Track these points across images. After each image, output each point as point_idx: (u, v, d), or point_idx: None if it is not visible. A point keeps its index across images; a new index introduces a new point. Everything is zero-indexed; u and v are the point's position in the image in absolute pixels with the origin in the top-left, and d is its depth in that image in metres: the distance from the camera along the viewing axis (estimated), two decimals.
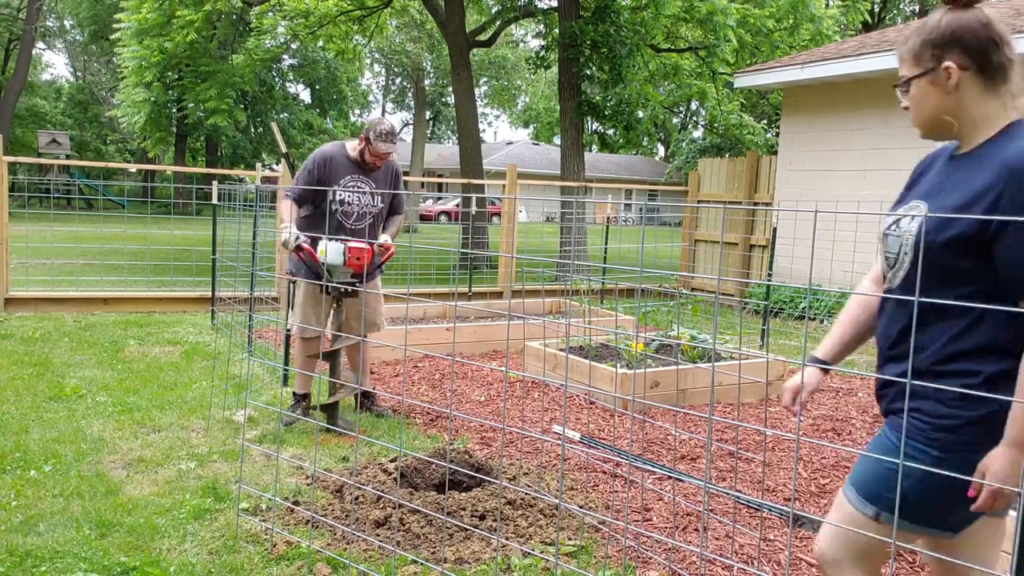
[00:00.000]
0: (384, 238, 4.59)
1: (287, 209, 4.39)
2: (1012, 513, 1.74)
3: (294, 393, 4.76)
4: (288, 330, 5.23)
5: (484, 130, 59.41)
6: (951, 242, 1.61)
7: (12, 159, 7.85)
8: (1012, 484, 1.58)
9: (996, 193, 1.58)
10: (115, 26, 17.29)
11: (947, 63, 1.68)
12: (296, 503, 3.41)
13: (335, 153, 4.50)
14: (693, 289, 10.79)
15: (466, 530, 3.11)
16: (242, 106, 24.33)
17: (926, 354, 1.70)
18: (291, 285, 4.77)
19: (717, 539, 3.23)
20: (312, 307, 4.54)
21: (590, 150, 21.15)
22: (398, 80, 41.73)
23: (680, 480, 3.88)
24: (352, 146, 4.54)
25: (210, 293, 7.76)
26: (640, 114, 15.28)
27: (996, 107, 1.69)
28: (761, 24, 13.63)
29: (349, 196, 4.48)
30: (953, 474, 1.61)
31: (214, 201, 7.50)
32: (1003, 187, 1.57)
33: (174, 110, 24.65)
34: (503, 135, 68.60)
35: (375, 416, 4.73)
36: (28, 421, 4.37)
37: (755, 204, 10.40)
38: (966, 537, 1.77)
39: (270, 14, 15.72)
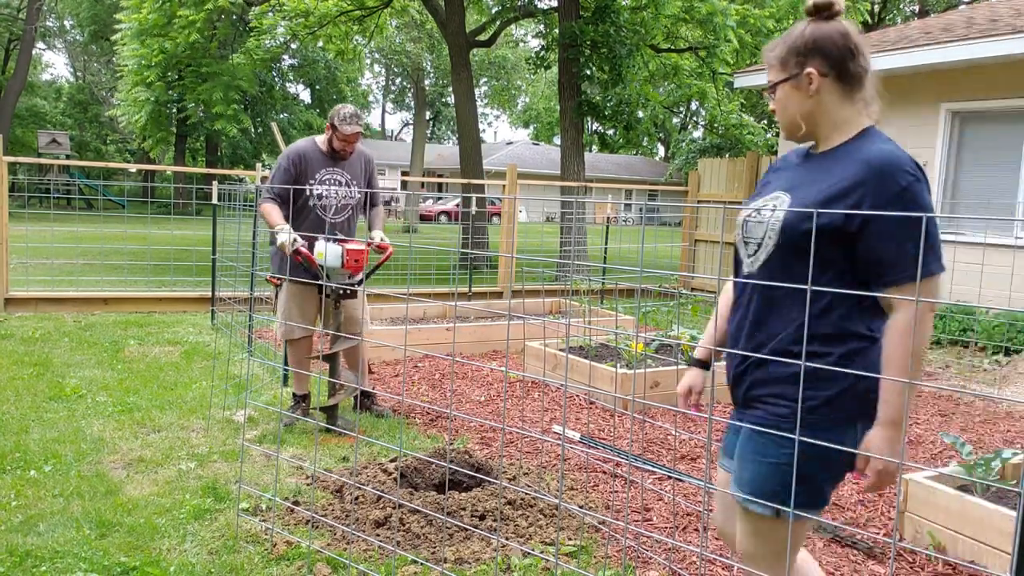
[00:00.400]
0: (379, 236, 4.56)
1: (275, 212, 4.39)
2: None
3: (294, 394, 4.75)
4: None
5: (484, 130, 59.43)
6: (817, 231, 1.71)
7: (12, 159, 7.85)
8: (890, 466, 1.72)
9: (862, 190, 1.71)
10: (116, 26, 17.28)
11: (809, 69, 1.82)
12: (296, 503, 3.41)
13: (307, 148, 4.52)
14: (693, 289, 10.79)
15: (466, 530, 3.11)
16: (242, 106, 24.32)
17: (781, 337, 1.80)
18: (277, 287, 4.75)
19: (717, 539, 3.23)
20: (297, 309, 4.52)
21: (590, 150, 21.15)
22: (398, 80, 41.73)
23: (680, 480, 3.88)
24: (322, 139, 4.55)
25: (210, 293, 7.76)
26: (640, 114, 15.27)
27: (852, 112, 1.84)
28: (761, 24, 13.63)
29: (326, 190, 4.49)
30: (842, 448, 1.73)
31: (214, 201, 7.50)
32: (868, 184, 1.71)
33: (175, 110, 24.64)
34: (503, 135, 68.63)
35: (375, 416, 4.73)
36: (28, 421, 4.37)
37: None
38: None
39: (270, 14, 15.71)
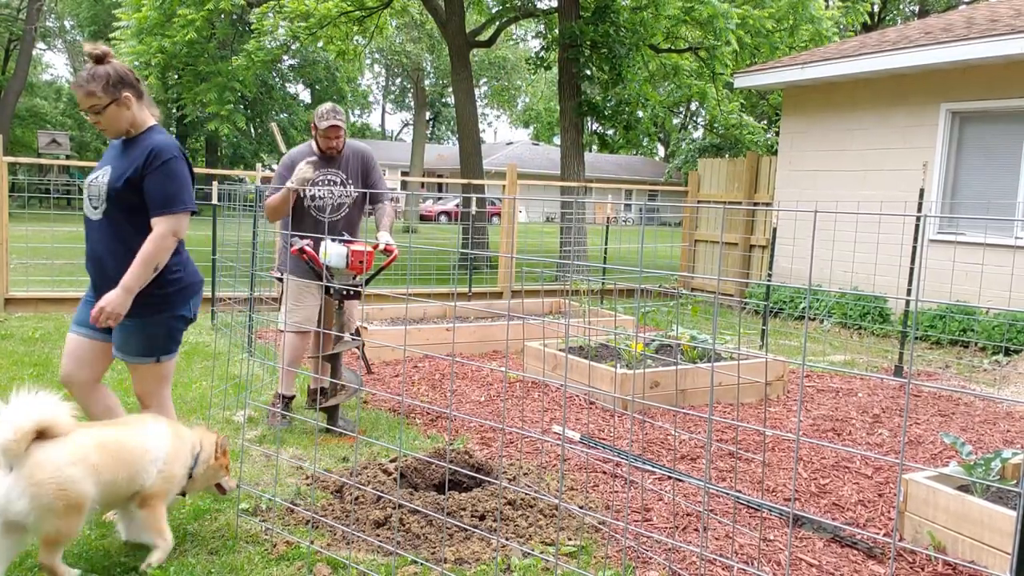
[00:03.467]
0: (385, 238, 4.52)
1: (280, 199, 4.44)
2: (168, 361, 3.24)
3: (282, 395, 4.65)
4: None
5: (484, 130, 59.35)
6: (125, 184, 3.01)
7: (12, 159, 7.85)
8: (117, 309, 2.94)
9: (144, 158, 3.01)
10: (114, 23, 17.25)
11: (125, 93, 3.05)
12: (296, 503, 3.41)
13: (300, 153, 4.58)
14: (693, 289, 10.79)
15: (466, 530, 3.11)
16: (243, 107, 24.29)
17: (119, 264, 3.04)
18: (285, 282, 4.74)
19: (717, 539, 3.23)
20: (295, 306, 4.55)
21: (590, 150, 21.13)
22: (398, 80, 41.78)
23: (680, 480, 3.88)
24: (313, 144, 4.61)
25: (210, 293, 7.76)
26: (640, 114, 15.26)
27: (146, 116, 3.15)
28: (761, 25, 13.62)
29: (320, 191, 4.53)
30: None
31: (214, 201, 7.49)
32: (147, 156, 3.01)
33: (173, 110, 24.60)
34: (503, 135, 68.52)
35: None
36: None
37: (755, 204, 10.40)
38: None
39: (270, 15, 15.70)
